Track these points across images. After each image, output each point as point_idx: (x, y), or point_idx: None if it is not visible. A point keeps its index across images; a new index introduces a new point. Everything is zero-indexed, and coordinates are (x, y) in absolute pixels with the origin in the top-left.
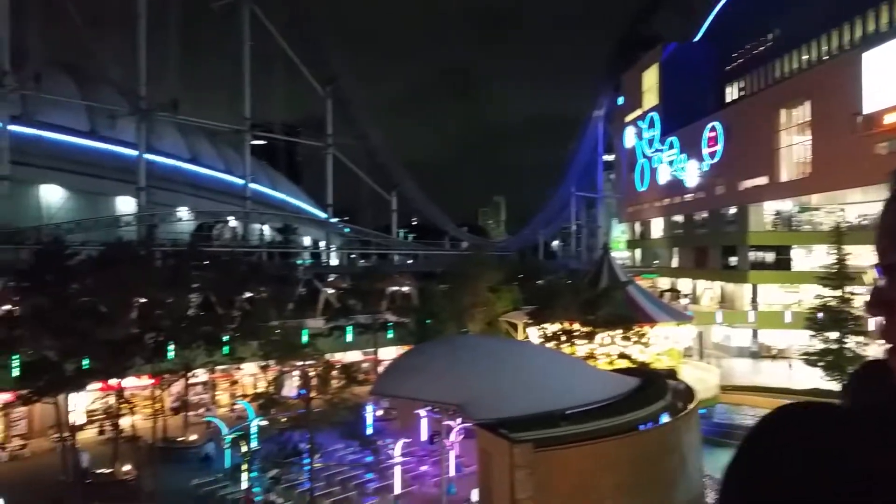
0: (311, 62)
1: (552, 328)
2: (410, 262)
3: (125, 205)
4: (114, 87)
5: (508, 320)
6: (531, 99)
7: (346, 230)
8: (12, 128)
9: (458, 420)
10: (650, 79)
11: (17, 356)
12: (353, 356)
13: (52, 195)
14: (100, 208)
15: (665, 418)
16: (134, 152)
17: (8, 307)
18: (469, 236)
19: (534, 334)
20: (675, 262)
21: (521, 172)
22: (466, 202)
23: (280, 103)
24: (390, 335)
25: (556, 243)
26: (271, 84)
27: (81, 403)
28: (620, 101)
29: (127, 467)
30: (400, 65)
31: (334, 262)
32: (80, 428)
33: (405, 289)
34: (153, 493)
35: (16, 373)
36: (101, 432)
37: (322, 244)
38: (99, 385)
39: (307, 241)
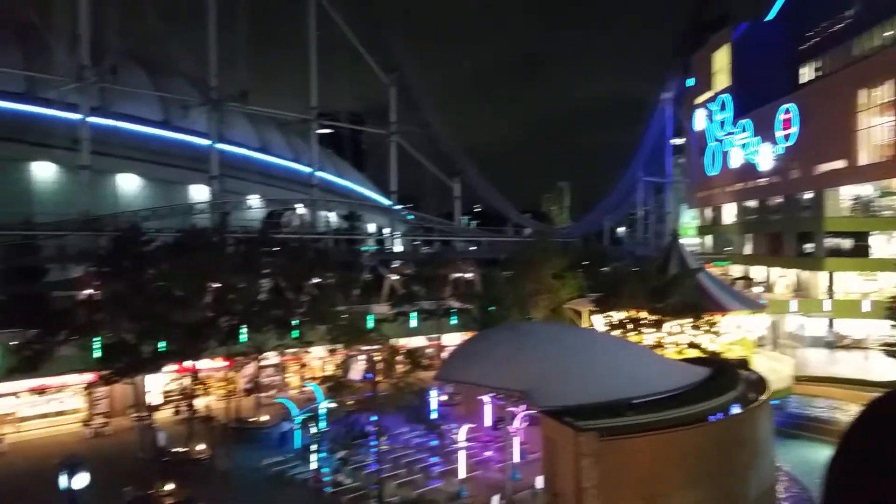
0: (375, 50)
1: (618, 316)
2: (473, 248)
3: (198, 193)
4: (186, 79)
5: (573, 307)
6: (597, 82)
7: (410, 217)
8: (92, 119)
9: (523, 407)
10: (721, 60)
11: (99, 339)
12: (417, 342)
13: (128, 184)
14: (174, 196)
15: (736, 409)
16: (206, 142)
17: (89, 292)
18: (532, 222)
19: (599, 322)
20: (747, 249)
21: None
22: (530, 188)
23: (345, 92)
24: (454, 321)
25: (622, 230)
26: (337, 73)
27: (158, 384)
28: (690, 82)
29: (201, 446)
30: (463, 50)
31: (398, 248)
32: (157, 408)
33: (468, 275)
34: (226, 471)
35: (97, 354)
36: (177, 412)
37: (386, 231)
38: (175, 367)
39: (372, 227)
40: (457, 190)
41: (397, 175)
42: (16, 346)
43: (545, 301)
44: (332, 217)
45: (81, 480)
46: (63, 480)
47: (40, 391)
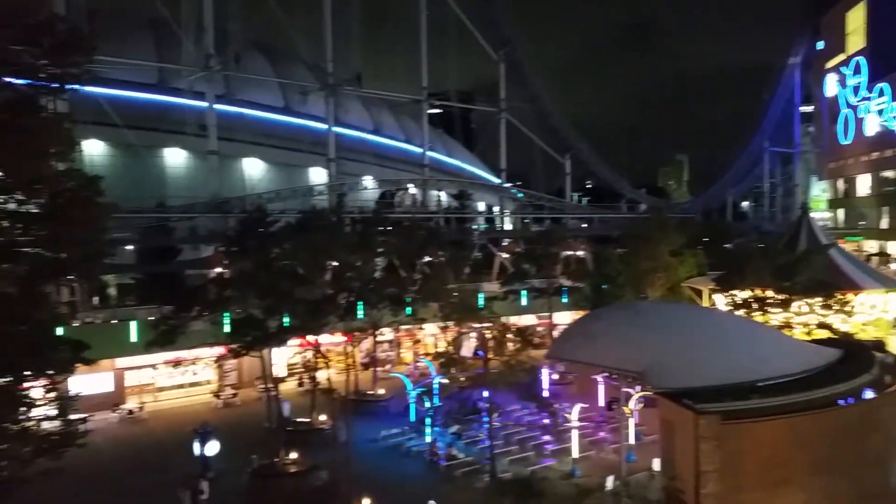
0: (484, 26)
1: (742, 295)
2: (585, 225)
3: (317, 175)
4: (304, 65)
5: (692, 286)
6: (717, 48)
7: (520, 195)
8: (218, 107)
9: (638, 388)
10: (855, 19)
11: (228, 314)
12: (528, 320)
13: (253, 168)
14: (295, 179)
15: (869, 394)
16: (324, 126)
17: (219, 270)
18: (648, 198)
19: (721, 301)
20: (884, 223)
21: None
22: (645, 163)
23: (455, 71)
24: (565, 300)
25: (746, 204)
26: (446, 52)
27: (283, 358)
28: (820, 45)
29: (323, 417)
30: (573, 22)
31: (508, 226)
32: (282, 380)
33: (580, 253)
34: (346, 441)
35: (227, 329)
36: (300, 384)
37: (496, 209)
38: (298, 341)
39: (482, 206)
40: (567, 166)
41: (507, 153)
42: (153, 322)
43: (662, 279)
44: (443, 196)
45: (213, 447)
46: (196, 446)
47: (175, 363)
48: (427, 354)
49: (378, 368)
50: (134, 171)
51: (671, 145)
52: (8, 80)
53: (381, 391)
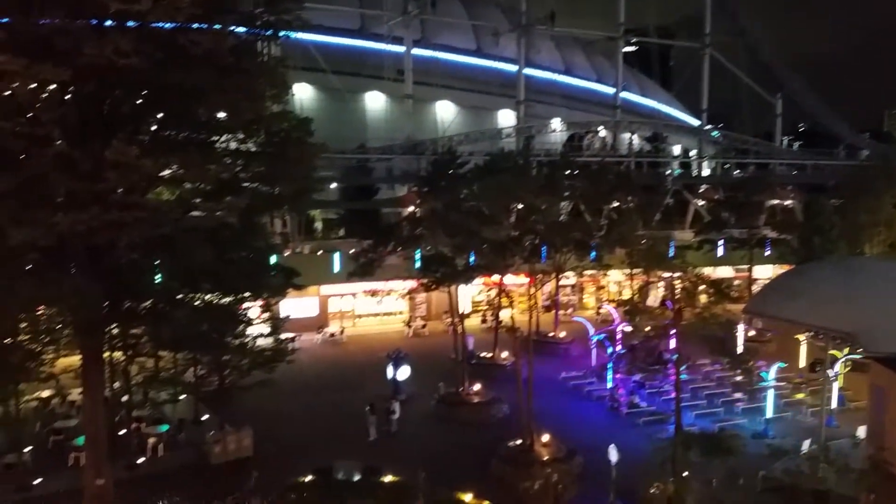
0: None
1: None
2: (795, 173)
3: (505, 118)
4: (497, 6)
5: None
6: None
7: (720, 138)
8: (415, 51)
9: (846, 350)
10: None
11: (419, 250)
12: (723, 272)
13: (445, 111)
14: (484, 122)
15: None
16: (514, 67)
17: (412, 209)
18: (871, 144)
19: None
20: None
21: None
22: (870, 104)
23: (654, 5)
24: (768, 252)
25: None
26: None
27: (469, 294)
28: None
29: (504, 354)
30: None
31: (706, 171)
32: (467, 316)
33: (787, 202)
34: (528, 379)
35: (418, 265)
36: (484, 321)
37: (693, 153)
38: (483, 280)
39: (677, 149)
40: (778, 107)
41: (709, 92)
42: (354, 254)
43: (882, 235)
44: (635, 139)
45: (404, 372)
46: (389, 370)
47: (372, 293)
48: (611, 301)
49: (560, 311)
50: (338, 115)
51: None
52: (231, 28)
53: (563, 334)
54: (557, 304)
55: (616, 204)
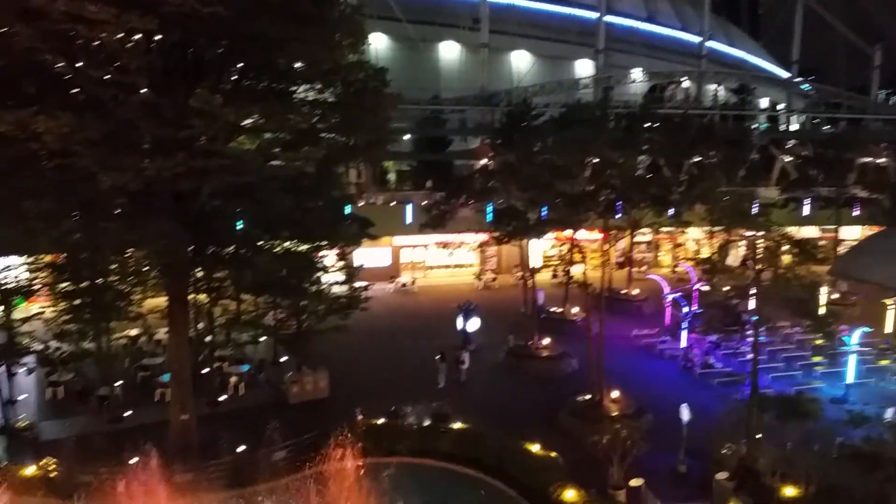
0: None
1: None
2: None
3: (583, 68)
4: None
5: None
6: None
7: (811, 91)
8: None
9: None
10: None
11: (491, 204)
12: (808, 231)
13: (521, 60)
14: (561, 72)
15: None
16: (594, 15)
17: (484, 161)
18: None
19: None
20: None
21: None
22: None
23: None
24: (856, 213)
25: None
26: None
27: (540, 249)
28: None
29: (575, 310)
30: None
31: (794, 126)
32: (538, 270)
33: (881, 161)
34: (599, 334)
35: (490, 218)
36: (554, 276)
37: (781, 106)
38: (554, 234)
39: (764, 102)
40: (877, 58)
41: (800, 42)
42: (426, 206)
43: None
44: (720, 91)
45: (474, 323)
46: (459, 321)
47: (444, 245)
48: (688, 259)
49: (634, 269)
50: (412, 65)
51: None
52: None
53: (636, 292)
54: (631, 261)
55: (698, 159)
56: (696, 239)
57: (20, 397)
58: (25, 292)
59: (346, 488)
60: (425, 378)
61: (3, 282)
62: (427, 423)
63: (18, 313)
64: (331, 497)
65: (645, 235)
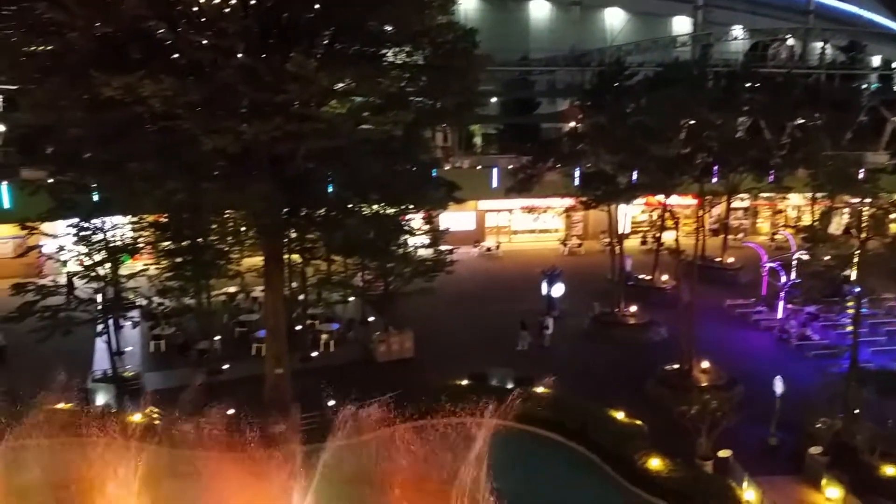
0: None
1: None
2: None
3: (680, 25)
4: None
5: None
6: None
7: None
8: None
9: None
10: None
11: (579, 167)
12: None
13: (614, 18)
14: (657, 29)
15: None
16: None
17: (574, 123)
18: None
19: None
20: None
21: None
22: None
23: None
24: None
25: None
26: None
27: (629, 214)
28: None
29: (664, 277)
30: None
31: None
32: (626, 236)
33: None
34: (689, 304)
35: (578, 182)
36: (643, 242)
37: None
38: (644, 199)
39: (876, 60)
40: None
41: None
42: (512, 170)
43: None
44: (828, 49)
45: (558, 289)
46: (544, 286)
47: (529, 210)
48: (787, 226)
49: (729, 236)
50: (501, 25)
51: None
52: None
53: (731, 260)
54: (727, 228)
55: (801, 121)
56: (797, 205)
57: (127, 349)
58: (131, 250)
59: (430, 445)
60: (508, 342)
61: (110, 240)
62: (510, 385)
63: (124, 270)
64: (417, 452)
65: (742, 201)
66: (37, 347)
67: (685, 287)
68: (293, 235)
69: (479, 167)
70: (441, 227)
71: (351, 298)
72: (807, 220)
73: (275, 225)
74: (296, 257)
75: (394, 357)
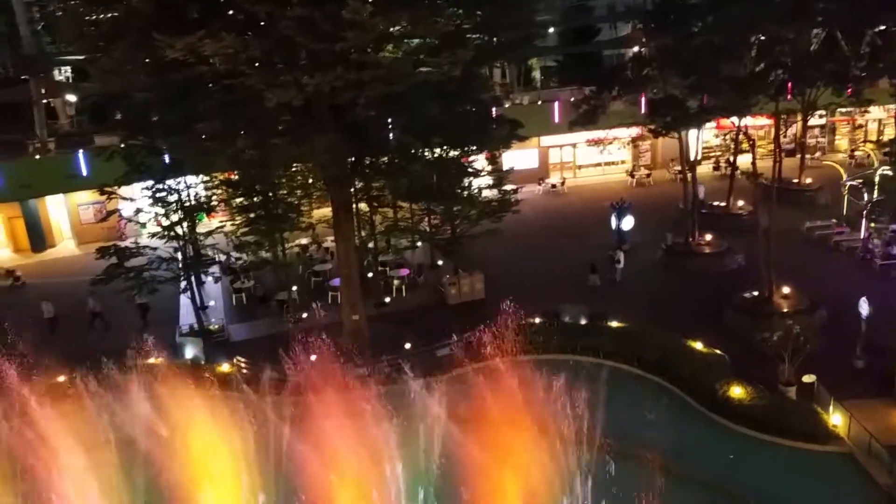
0: None
1: None
2: None
3: None
4: None
5: None
6: None
7: None
8: None
9: None
10: None
11: (644, 94)
12: None
13: None
14: None
15: None
16: None
17: (637, 49)
18: None
19: None
20: None
21: None
22: None
23: None
24: None
25: None
26: None
27: (699, 140)
28: None
29: (740, 203)
30: None
31: None
32: (698, 162)
33: None
34: (767, 229)
35: (644, 109)
36: (716, 168)
37: None
38: (715, 123)
39: None
40: None
41: None
42: (575, 102)
43: None
44: None
45: (628, 222)
46: (613, 220)
47: (595, 142)
48: (868, 142)
49: (807, 155)
50: None
51: None
52: None
53: (809, 180)
54: (804, 148)
55: (882, 27)
56: (879, 119)
57: (210, 303)
58: (206, 208)
59: (508, 382)
60: (579, 279)
61: (185, 200)
62: (584, 321)
63: (201, 228)
64: (496, 390)
65: (820, 118)
66: (127, 307)
67: (763, 211)
68: (360, 185)
69: (539, 102)
70: (504, 167)
71: (419, 243)
72: (890, 133)
73: (341, 175)
74: (364, 206)
75: (465, 299)
